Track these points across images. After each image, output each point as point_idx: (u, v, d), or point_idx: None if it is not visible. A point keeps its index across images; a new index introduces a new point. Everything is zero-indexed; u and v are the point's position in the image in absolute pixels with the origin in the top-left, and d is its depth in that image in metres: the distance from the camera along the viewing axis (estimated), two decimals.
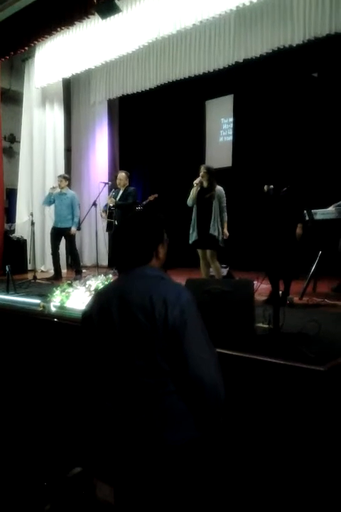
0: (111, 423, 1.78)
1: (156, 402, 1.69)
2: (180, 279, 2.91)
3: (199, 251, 5.89)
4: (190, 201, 5.84)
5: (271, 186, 5.16)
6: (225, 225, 5.77)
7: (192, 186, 5.84)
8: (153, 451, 1.67)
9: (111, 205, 6.63)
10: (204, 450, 1.74)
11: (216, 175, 5.91)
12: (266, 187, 5.28)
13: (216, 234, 5.64)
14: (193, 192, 5.81)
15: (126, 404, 1.73)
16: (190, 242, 5.84)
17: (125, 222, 1.95)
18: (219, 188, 5.79)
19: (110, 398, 1.79)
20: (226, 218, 5.79)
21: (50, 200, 7.72)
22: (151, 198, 7.05)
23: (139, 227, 1.88)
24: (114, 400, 1.78)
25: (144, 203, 6.86)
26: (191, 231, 5.83)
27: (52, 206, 8.07)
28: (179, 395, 1.71)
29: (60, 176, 7.81)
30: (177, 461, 1.66)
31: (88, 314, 1.90)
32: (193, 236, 5.80)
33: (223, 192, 5.80)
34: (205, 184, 5.79)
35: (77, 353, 3.31)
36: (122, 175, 6.85)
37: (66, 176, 7.93)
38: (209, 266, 5.92)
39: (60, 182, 7.60)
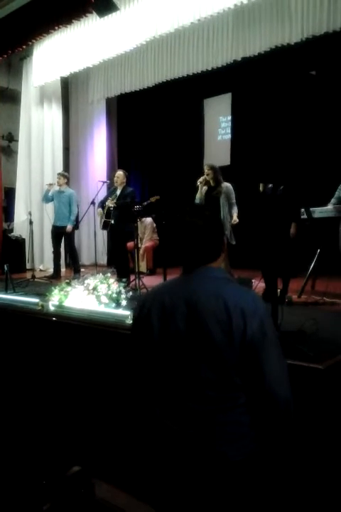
0: (165, 434, 1.66)
1: (219, 415, 1.58)
2: None
3: None
4: (197, 200, 5.85)
5: (269, 185, 5.15)
6: (235, 216, 5.76)
7: (193, 186, 5.84)
8: (211, 466, 1.57)
9: (112, 205, 6.62)
10: (266, 465, 1.65)
11: (221, 171, 5.91)
12: (261, 186, 5.26)
13: (226, 232, 5.64)
14: (201, 191, 5.81)
15: (184, 416, 1.61)
16: None
17: (190, 216, 1.71)
18: (226, 184, 5.79)
19: (166, 408, 1.67)
20: (236, 212, 5.77)
21: (47, 198, 7.72)
22: (153, 199, 7.04)
23: (210, 219, 1.71)
24: (170, 410, 1.66)
25: (145, 203, 6.86)
26: None
27: (52, 205, 8.08)
28: (246, 409, 1.61)
29: (58, 174, 7.82)
30: (234, 476, 1.57)
31: (144, 317, 1.72)
32: None
33: (231, 188, 5.79)
34: (212, 182, 5.79)
35: (83, 354, 3.29)
36: (120, 174, 6.84)
37: (65, 173, 7.93)
38: None
39: (58, 179, 7.61)
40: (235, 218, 5.73)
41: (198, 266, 1.68)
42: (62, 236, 7.63)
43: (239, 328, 1.53)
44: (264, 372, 1.55)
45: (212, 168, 5.82)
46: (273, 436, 1.66)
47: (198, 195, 5.83)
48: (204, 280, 1.64)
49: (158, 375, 1.70)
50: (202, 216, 1.71)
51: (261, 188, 5.27)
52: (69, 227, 7.44)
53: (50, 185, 7.68)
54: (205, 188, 5.83)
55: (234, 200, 5.78)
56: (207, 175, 5.77)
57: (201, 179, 5.82)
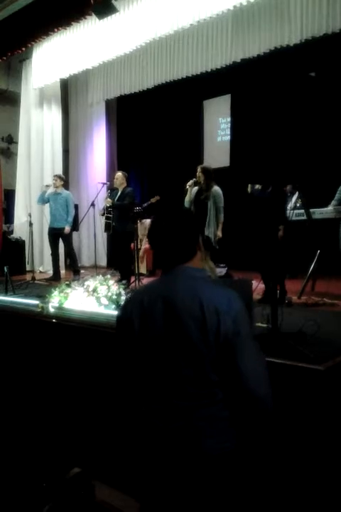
0: (150, 431, 1.71)
1: (199, 411, 1.62)
2: None
3: None
4: (186, 203, 5.83)
5: (256, 186, 5.12)
6: (220, 226, 5.69)
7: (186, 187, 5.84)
8: (192, 460, 1.61)
9: (108, 205, 6.62)
10: (240, 460, 1.68)
11: (213, 175, 5.88)
12: (249, 187, 5.24)
13: (211, 235, 5.62)
14: (190, 193, 5.80)
15: (168, 413, 1.66)
16: None
17: (163, 217, 1.79)
18: (215, 188, 5.75)
19: (150, 405, 1.72)
20: (222, 219, 5.71)
21: (43, 199, 7.72)
22: (153, 200, 7.05)
23: (181, 219, 1.76)
24: (154, 407, 1.70)
25: (145, 205, 6.86)
26: None
27: (47, 207, 8.07)
28: (224, 404, 1.64)
29: (55, 176, 7.81)
30: (215, 470, 1.61)
31: (126, 317, 1.77)
32: None
33: (220, 192, 5.74)
34: (203, 184, 5.77)
35: (84, 355, 3.30)
36: (119, 175, 6.85)
37: (61, 176, 7.93)
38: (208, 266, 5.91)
39: (55, 181, 7.61)
40: (218, 233, 5.67)
41: (174, 266, 1.71)
42: (59, 238, 7.62)
43: (213, 326, 1.57)
44: (240, 369, 1.59)
45: (204, 171, 5.77)
46: (251, 432, 1.72)
47: (187, 198, 5.81)
48: (181, 280, 1.68)
49: (142, 373, 1.74)
50: (173, 217, 1.77)
51: (248, 189, 5.26)
52: (67, 229, 7.43)
53: (47, 186, 7.68)
54: (196, 189, 5.81)
55: (221, 205, 5.72)
56: (199, 177, 5.75)
57: (190, 182, 5.79)
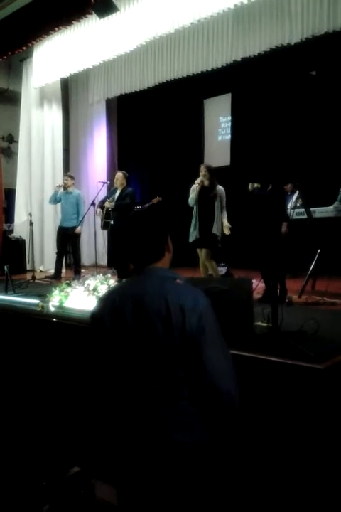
0: (120, 426, 1.76)
1: (168, 406, 1.67)
2: None
3: (199, 250, 5.88)
4: (191, 201, 5.84)
5: (255, 185, 5.13)
6: (226, 221, 5.78)
7: (192, 185, 5.84)
8: (162, 453, 1.66)
9: (109, 207, 6.63)
10: (213, 453, 1.73)
11: (216, 174, 5.91)
12: (250, 185, 5.25)
13: (218, 233, 5.65)
14: (195, 191, 5.81)
15: (137, 408, 1.71)
16: (190, 241, 5.83)
17: (131, 219, 1.89)
18: (220, 187, 5.79)
19: (120, 402, 1.76)
20: (226, 216, 5.80)
21: (55, 199, 7.74)
22: (154, 200, 7.05)
23: (148, 221, 1.85)
24: (124, 403, 1.75)
25: (146, 205, 6.86)
26: (192, 230, 5.82)
27: (52, 206, 8.08)
28: (191, 399, 1.69)
29: (66, 175, 7.83)
30: (186, 464, 1.66)
31: (98, 316, 1.84)
32: (194, 235, 5.78)
33: (224, 191, 5.81)
34: (206, 183, 5.78)
35: (86, 355, 3.31)
36: (119, 175, 6.85)
37: (72, 175, 7.93)
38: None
39: (66, 181, 7.61)
40: (227, 223, 5.76)
41: (143, 266, 1.79)
42: (68, 237, 7.61)
43: (178, 323, 1.62)
44: (205, 365, 1.63)
45: (209, 169, 5.81)
46: (217, 427, 1.75)
47: (193, 196, 5.82)
48: (150, 279, 1.75)
49: (113, 371, 1.79)
50: (139, 220, 1.87)
51: (249, 188, 5.26)
52: (79, 229, 7.41)
53: (59, 186, 7.69)
54: (199, 187, 5.83)
55: (225, 204, 5.81)
56: (203, 176, 5.77)
57: (198, 180, 5.81)
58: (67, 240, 7.65)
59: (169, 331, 1.63)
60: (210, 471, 1.72)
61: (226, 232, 5.76)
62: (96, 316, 1.86)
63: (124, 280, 1.96)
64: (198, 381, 1.66)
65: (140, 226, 1.83)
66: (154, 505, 1.70)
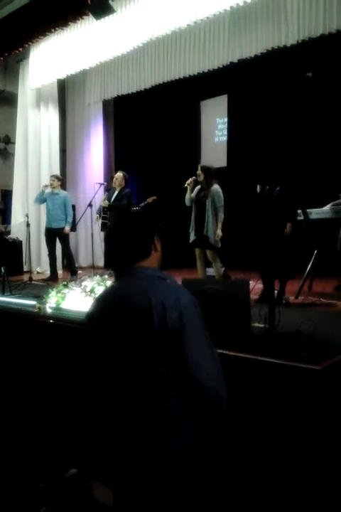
0: (112, 427, 1.77)
1: (155, 408, 1.66)
2: (176, 279, 2.91)
3: (197, 251, 5.88)
4: (187, 201, 5.84)
5: (267, 187, 5.13)
6: (220, 225, 5.64)
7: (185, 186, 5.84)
8: (152, 457, 1.64)
9: (105, 206, 6.63)
10: (205, 456, 1.70)
11: (215, 174, 5.88)
12: (259, 187, 5.25)
13: (210, 235, 5.62)
14: (190, 191, 5.81)
15: (127, 410, 1.71)
16: (190, 241, 5.84)
17: (117, 220, 1.96)
18: (216, 187, 5.73)
19: (111, 403, 1.77)
20: (221, 218, 5.66)
21: (41, 199, 7.71)
22: (149, 200, 7.06)
23: (132, 220, 1.88)
24: (114, 404, 1.76)
25: (142, 205, 6.86)
26: (190, 230, 5.83)
27: (44, 207, 8.06)
28: (178, 401, 1.67)
29: (52, 176, 7.79)
30: (177, 467, 1.64)
31: (90, 317, 1.88)
32: (192, 236, 5.79)
33: (220, 191, 5.70)
34: (202, 183, 5.79)
35: (81, 356, 3.31)
36: (119, 175, 6.85)
37: (59, 176, 7.93)
38: (206, 266, 5.91)
39: (52, 182, 7.59)
40: (218, 232, 5.61)
41: (129, 265, 1.80)
42: (56, 238, 7.61)
43: (160, 320, 1.63)
44: (187, 362, 1.62)
45: (205, 169, 5.77)
46: (204, 428, 1.71)
47: (188, 196, 5.82)
48: (136, 278, 1.77)
49: (104, 371, 1.81)
50: (125, 219, 1.90)
51: (258, 189, 5.26)
52: (67, 229, 7.42)
53: (46, 186, 7.68)
54: (198, 187, 5.83)
55: (220, 204, 5.66)
56: (199, 176, 5.76)
57: (189, 181, 5.80)
58: (55, 240, 7.63)
59: (151, 328, 1.63)
60: (201, 475, 1.68)
61: (215, 238, 5.64)
62: (88, 316, 1.91)
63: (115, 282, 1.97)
64: (182, 380, 1.64)
65: (124, 225, 1.86)
66: (146, 508, 1.69)
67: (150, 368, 1.66)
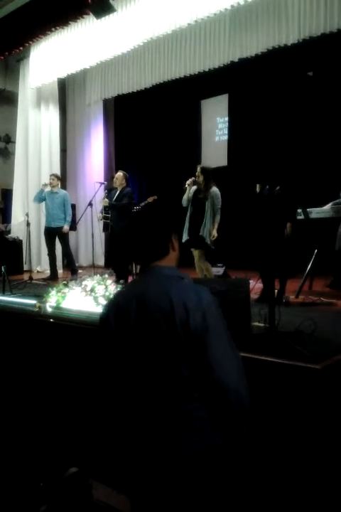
0: (131, 431, 1.72)
1: (177, 410, 1.62)
2: None
3: (193, 250, 5.88)
4: (184, 201, 5.84)
5: (266, 186, 5.13)
6: (216, 226, 5.67)
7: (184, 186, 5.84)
8: (174, 460, 1.61)
9: (105, 205, 6.63)
10: (227, 458, 1.67)
11: (212, 175, 5.88)
12: (258, 187, 5.25)
13: (206, 235, 5.62)
14: (188, 192, 5.81)
15: (148, 413, 1.67)
16: (183, 241, 5.82)
17: (134, 217, 1.87)
18: (214, 189, 5.75)
19: (129, 405, 1.73)
20: (218, 219, 5.69)
21: (40, 198, 7.71)
22: (150, 199, 7.05)
23: (150, 217, 1.81)
24: (134, 407, 1.72)
25: (142, 204, 6.86)
26: (184, 230, 5.82)
27: (43, 206, 8.07)
28: (201, 402, 1.63)
29: (52, 175, 7.80)
30: (199, 469, 1.60)
31: (104, 318, 1.81)
32: (185, 236, 5.78)
33: (218, 193, 5.72)
34: (201, 184, 5.78)
35: (81, 356, 3.31)
36: (120, 175, 6.85)
37: (58, 175, 7.95)
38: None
39: (52, 180, 7.60)
40: (214, 233, 5.63)
41: (147, 265, 1.76)
42: (56, 237, 7.61)
43: (182, 321, 1.58)
44: (211, 363, 1.58)
45: (204, 171, 5.78)
46: (226, 429, 1.68)
47: (185, 196, 5.83)
48: (154, 278, 1.72)
49: (120, 372, 1.76)
50: (143, 216, 1.84)
51: (257, 189, 5.26)
52: (66, 228, 7.43)
53: (45, 185, 7.68)
54: (194, 188, 5.83)
55: (218, 207, 5.69)
56: (198, 177, 5.76)
57: (189, 181, 5.80)
58: (55, 239, 7.64)
59: (173, 329, 1.60)
60: (223, 477, 1.65)
61: (211, 239, 5.65)
62: (102, 317, 1.84)
63: (129, 281, 1.93)
64: (205, 381, 1.61)
65: (142, 223, 1.79)
66: None
67: (172, 370, 1.62)
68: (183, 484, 1.60)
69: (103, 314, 1.85)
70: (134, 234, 1.79)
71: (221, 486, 1.65)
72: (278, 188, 5.01)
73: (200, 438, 1.62)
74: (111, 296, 4.21)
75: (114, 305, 1.80)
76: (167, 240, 1.79)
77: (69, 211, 7.51)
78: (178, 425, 1.62)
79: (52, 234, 7.57)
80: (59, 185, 7.71)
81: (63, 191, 7.77)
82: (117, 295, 1.90)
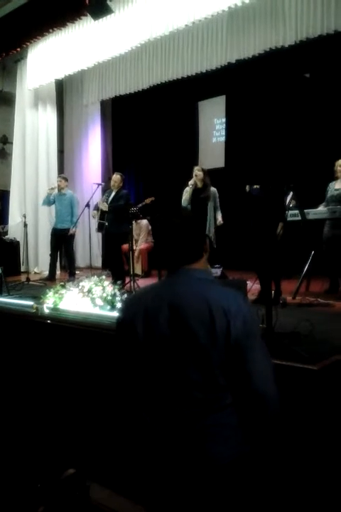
0: (153, 439, 1.65)
1: (207, 417, 1.57)
2: None
3: None
4: (184, 202, 5.86)
5: (254, 186, 5.15)
6: (220, 218, 5.99)
7: (185, 187, 5.85)
8: (205, 470, 1.55)
9: (104, 209, 6.63)
10: (254, 464, 1.63)
11: (209, 175, 5.95)
12: (247, 187, 5.28)
13: (210, 235, 5.67)
14: (188, 192, 5.82)
15: (173, 420, 1.60)
16: None
17: (172, 219, 1.74)
18: (213, 189, 5.83)
19: (153, 412, 1.66)
20: (220, 215, 5.98)
21: (49, 201, 7.74)
22: (148, 200, 7.06)
23: (191, 220, 1.74)
24: (157, 414, 1.64)
25: (140, 205, 6.87)
26: None
27: (47, 207, 8.07)
28: (232, 409, 1.59)
29: (59, 176, 7.83)
30: (230, 479, 1.56)
31: (128, 320, 1.70)
32: None
33: (217, 192, 5.87)
34: (199, 185, 5.80)
35: (78, 357, 3.29)
36: (117, 177, 6.85)
37: (65, 176, 7.98)
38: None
39: (59, 182, 7.63)
40: (220, 220, 5.96)
41: (180, 267, 1.67)
42: (63, 239, 7.61)
43: (223, 328, 1.52)
44: (250, 371, 1.54)
45: (204, 171, 5.87)
46: (261, 436, 1.66)
47: (186, 197, 5.85)
48: (187, 282, 1.63)
49: (144, 379, 1.68)
50: (180, 216, 1.75)
51: (247, 189, 5.29)
52: (73, 230, 7.46)
53: (52, 189, 7.69)
54: (191, 189, 5.86)
55: (218, 204, 5.95)
56: (196, 176, 5.79)
57: (191, 182, 5.83)
58: (61, 241, 7.65)
59: (213, 336, 1.52)
60: (250, 486, 1.61)
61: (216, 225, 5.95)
62: (125, 320, 1.73)
63: (155, 282, 1.83)
64: (242, 388, 1.57)
65: (183, 223, 1.70)
66: None
67: (209, 379, 1.55)
68: (214, 495, 1.55)
69: (125, 316, 1.74)
70: (172, 237, 1.69)
71: (249, 493, 1.61)
72: (270, 188, 5.01)
73: (231, 446, 1.58)
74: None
75: (141, 307, 1.68)
76: (203, 242, 1.73)
77: (76, 212, 7.52)
78: (209, 434, 1.57)
79: (58, 236, 7.57)
80: (67, 187, 7.71)
81: (70, 192, 7.78)
82: (143, 296, 1.76)
